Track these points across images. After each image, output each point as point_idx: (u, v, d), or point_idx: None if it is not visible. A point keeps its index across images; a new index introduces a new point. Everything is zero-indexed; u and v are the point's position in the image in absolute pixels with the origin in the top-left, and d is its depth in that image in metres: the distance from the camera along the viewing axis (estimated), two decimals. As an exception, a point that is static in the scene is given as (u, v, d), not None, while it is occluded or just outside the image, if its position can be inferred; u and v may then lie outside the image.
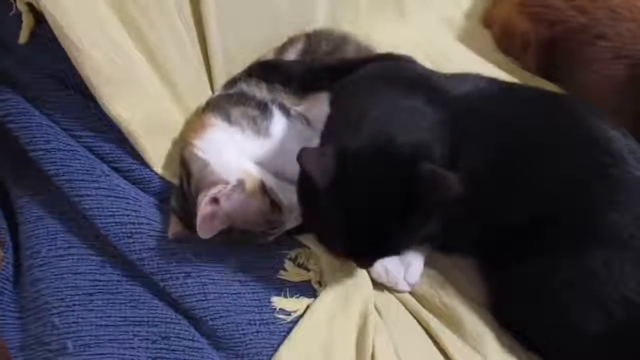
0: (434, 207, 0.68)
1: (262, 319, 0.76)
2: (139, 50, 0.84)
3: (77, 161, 0.80)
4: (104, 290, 0.76)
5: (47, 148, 0.79)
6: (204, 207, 0.74)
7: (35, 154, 0.79)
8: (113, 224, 0.77)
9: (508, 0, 1.22)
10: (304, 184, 0.73)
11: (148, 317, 0.74)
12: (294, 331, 0.75)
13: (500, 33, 1.24)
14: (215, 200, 0.78)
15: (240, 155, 0.84)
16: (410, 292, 0.87)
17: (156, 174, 0.88)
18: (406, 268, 0.86)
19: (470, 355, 0.79)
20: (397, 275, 0.85)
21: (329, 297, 0.80)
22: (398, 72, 0.86)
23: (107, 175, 0.81)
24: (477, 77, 0.86)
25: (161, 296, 0.77)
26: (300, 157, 0.66)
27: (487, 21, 1.29)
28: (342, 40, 1.04)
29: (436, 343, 0.81)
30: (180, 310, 0.76)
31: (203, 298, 0.76)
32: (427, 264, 0.88)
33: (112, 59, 0.79)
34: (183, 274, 0.77)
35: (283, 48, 1.04)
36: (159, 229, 0.80)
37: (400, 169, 0.68)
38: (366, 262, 0.77)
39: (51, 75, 0.82)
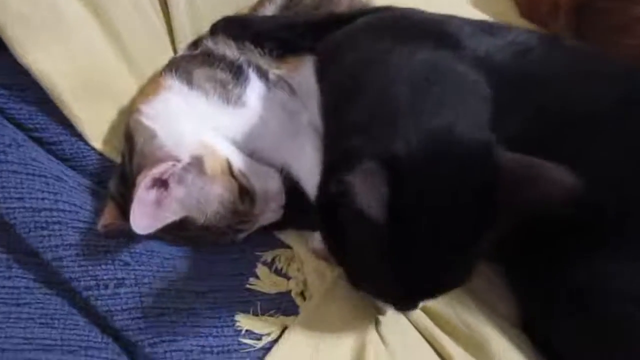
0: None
1: (222, 345, 0.56)
2: (79, 3, 0.65)
3: (-24, 125, 0.59)
4: (8, 300, 0.56)
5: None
6: (142, 192, 0.54)
7: None
8: (21, 210, 0.57)
9: (534, -37, 1.04)
10: (332, 213, 0.52)
11: (62, 339, 0.54)
12: (265, 362, 0.55)
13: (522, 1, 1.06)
14: (162, 184, 0.57)
15: (200, 126, 0.64)
16: (422, 309, 0.67)
17: (93, 148, 0.67)
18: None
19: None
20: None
21: (314, 316, 0.60)
22: (407, 20, 0.66)
23: (21, 146, 0.61)
24: (509, 29, 0.67)
25: (83, 311, 0.57)
26: (347, 187, 0.45)
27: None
28: (332, -7, 0.85)
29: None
30: (108, 331, 0.56)
31: (140, 314, 0.55)
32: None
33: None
34: (114, 281, 0.56)
35: (260, 4, 0.84)
36: (85, 219, 0.59)
37: (475, 169, 0.49)
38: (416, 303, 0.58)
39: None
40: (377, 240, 0.49)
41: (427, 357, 0.64)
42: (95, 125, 0.68)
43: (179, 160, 0.58)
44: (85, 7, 0.66)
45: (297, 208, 0.68)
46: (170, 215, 0.56)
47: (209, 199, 0.60)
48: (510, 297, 0.69)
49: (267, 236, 0.69)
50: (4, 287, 0.57)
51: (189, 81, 0.67)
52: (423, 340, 0.66)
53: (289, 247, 0.68)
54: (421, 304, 0.61)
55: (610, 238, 0.58)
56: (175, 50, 0.80)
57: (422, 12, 0.69)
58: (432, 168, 0.48)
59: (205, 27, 0.81)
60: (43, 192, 0.59)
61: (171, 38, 0.79)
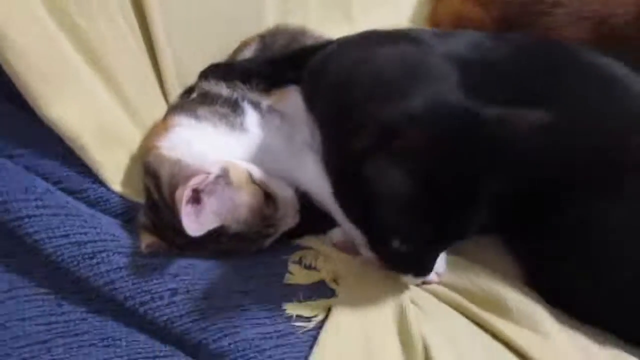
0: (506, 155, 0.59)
1: (278, 330, 0.60)
2: (83, 60, 0.72)
3: (10, 180, 0.63)
4: (64, 333, 0.58)
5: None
6: (185, 202, 0.59)
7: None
8: (68, 246, 0.60)
9: (452, -7, 1.22)
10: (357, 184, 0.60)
11: (129, 355, 0.56)
12: (321, 336, 0.60)
13: (452, 27, 1.22)
14: (195, 200, 0.63)
15: (216, 149, 0.71)
16: (440, 284, 0.74)
17: (114, 192, 0.72)
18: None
19: (528, 337, 0.67)
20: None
21: (351, 294, 0.66)
22: (376, 33, 0.77)
23: (53, 193, 0.65)
24: (458, 33, 0.81)
25: (142, 326, 0.59)
26: (367, 175, 0.56)
27: (434, 20, 1.28)
28: (300, 32, 0.97)
29: (488, 331, 0.68)
30: (170, 340, 0.59)
31: (198, 316, 0.59)
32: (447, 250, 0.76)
33: (49, 53, 0.66)
34: (168, 292, 0.60)
35: (237, 51, 0.95)
36: (128, 246, 0.63)
37: (469, 123, 0.59)
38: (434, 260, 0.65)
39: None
40: (405, 197, 0.57)
41: (458, 319, 0.69)
42: (113, 170, 0.73)
43: (209, 173, 0.64)
44: (91, 66, 0.72)
45: (309, 215, 0.75)
46: (209, 224, 0.62)
47: (239, 206, 0.65)
48: (514, 261, 0.76)
49: (288, 243, 0.74)
50: (57, 322, 0.59)
51: (196, 116, 0.74)
52: (450, 308, 0.71)
53: (310, 248, 0.74)
54: (438, 266, 0.69)
55: (594, 181, 0.68)
56: (166, 101, 0.87)
57: (383, 29, 0.82)
58: (438, 126, 0.58)
59: (189, 79, 0.90)
60: (84, 227, 0.63)
61: (162, 90, 0.87)
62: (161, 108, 0.84)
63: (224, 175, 0.65)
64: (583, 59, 0.74)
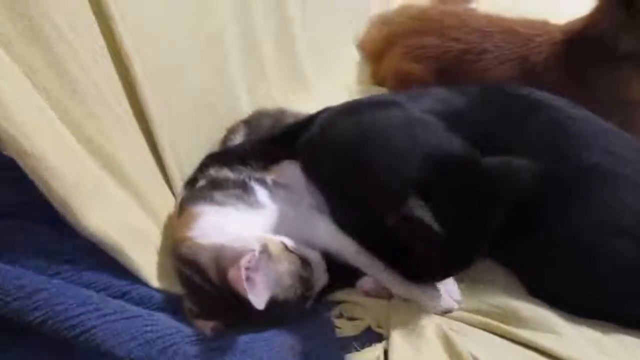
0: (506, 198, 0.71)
1: (349, 380, 0.66)
2: (106, 173, 0.77)
3: (65, 296, 0.65)
4: None
5: (25, 293, 0.64)
6: (246, 285, 0.65)
7: (11, 306, 0.63)
8: (139, 347, 0.63)
9: (391, 54, 1.37)
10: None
11: None
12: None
13: (396, 83, 1.36)
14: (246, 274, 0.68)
15: (246, 228, 0.77)
16: (461, 310, 0.83)
17: (154, 289, 0.76)
18: (446, 290, 0.83)
19: (547, 338, 0.77)
20: (443, 297, 0.81)
21: (399, 333, 0.73)
22: (357, 102, 0.89)
23: (106, 301, 0.68)
24: (425, 92, 0.93)
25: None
26: (411, 215, 0.65)
27: (377, 78, 1.43)
28: (280, 113, 1.07)
29: (512, 340, 0.78)
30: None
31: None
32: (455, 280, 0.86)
33: (78, 171, 0.70)
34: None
35: (226, 138, 1.03)
36: (191, 334, 0.67)
37: (469, 169, 0.71)
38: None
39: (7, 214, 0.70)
40: (436, 239, 0.67)
41: (487, 336, 0.78)
42: (149, 268, 0.77)
43: (253, 250, 0.69)
44: (112, 177, 0.77)
45: (334, 271, 0.81)
46: (265, 296, 0.67)
47: (282, 275, 0.72)
48: (514, 277, 0.87)
49: (324, 302, 0.81)
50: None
51: (216, 202, 0.80)
52: (477, 328, 0.80)
53: (344, 301, 0.81)
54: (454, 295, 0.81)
55: (564, 193, 0.81)
56: (173, 194, 0.93)
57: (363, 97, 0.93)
58: (445, 178, 0.69)
59: (186, 171, 0.96)
60: (146, 326, 0.66)
61: (168, 186, 0.92)
62: (169, 201, 0.90)
63: (264, 251, 0.71)
64: (528, 96, 0.89)
